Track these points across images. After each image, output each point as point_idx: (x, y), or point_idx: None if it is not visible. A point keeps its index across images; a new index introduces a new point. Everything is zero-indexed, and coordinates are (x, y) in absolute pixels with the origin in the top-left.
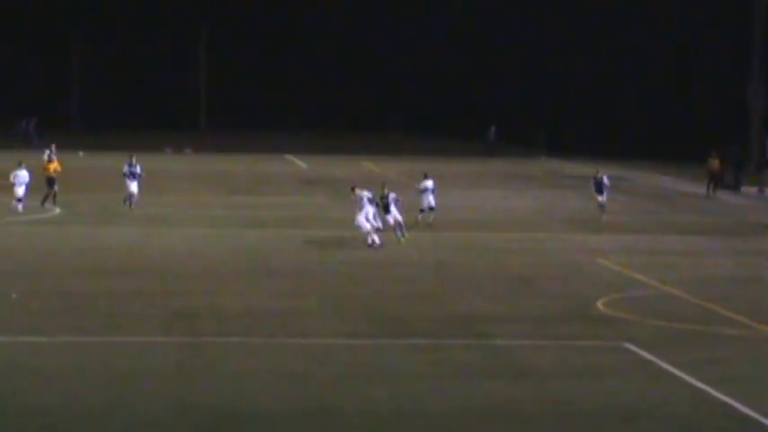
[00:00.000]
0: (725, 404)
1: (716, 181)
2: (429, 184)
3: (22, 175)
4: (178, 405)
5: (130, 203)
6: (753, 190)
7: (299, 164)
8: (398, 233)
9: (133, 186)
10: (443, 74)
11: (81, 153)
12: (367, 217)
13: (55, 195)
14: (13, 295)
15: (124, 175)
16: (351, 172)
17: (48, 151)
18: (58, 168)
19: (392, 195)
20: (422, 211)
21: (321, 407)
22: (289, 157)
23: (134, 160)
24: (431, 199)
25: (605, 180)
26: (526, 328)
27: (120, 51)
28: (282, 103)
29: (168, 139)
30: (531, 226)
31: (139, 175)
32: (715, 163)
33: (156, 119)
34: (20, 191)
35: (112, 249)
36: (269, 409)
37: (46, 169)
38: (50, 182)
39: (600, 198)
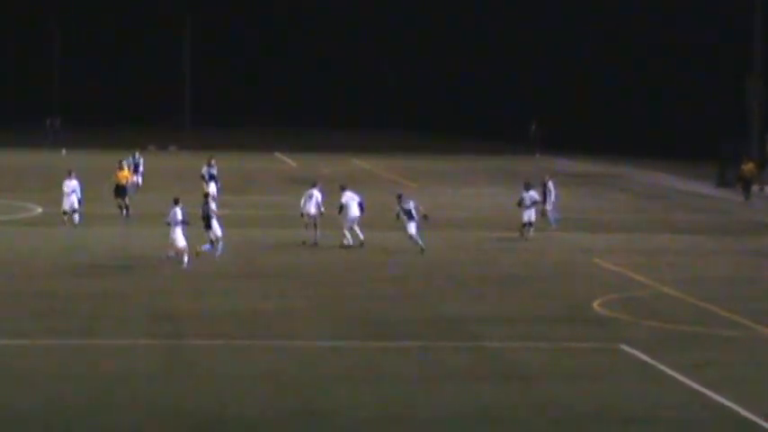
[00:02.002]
0: (722, 406)
1: (749, 184)
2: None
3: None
4: (163, 408)
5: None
6: (755, 188)
7: (289, 162)
8: (420, 242)
9: (212, 187)
10: (435, 69)
11: (63, 151)
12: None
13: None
14: None
15: (202, 177)
16: (340, 170)
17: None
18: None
19: (412, 203)
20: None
21: (307, 410)
22: (278, 154)
23: (213, 161)
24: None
25: (551, 185)
26: (519, 329)
27: (102, 46)
28: (271, 99)
29: (152, 137)
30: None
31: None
32: (749, 166)
33: (139, 116)
34: (67, 203)
35: (94, 249)
36: (254, 412)
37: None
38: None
39: (545, 206)
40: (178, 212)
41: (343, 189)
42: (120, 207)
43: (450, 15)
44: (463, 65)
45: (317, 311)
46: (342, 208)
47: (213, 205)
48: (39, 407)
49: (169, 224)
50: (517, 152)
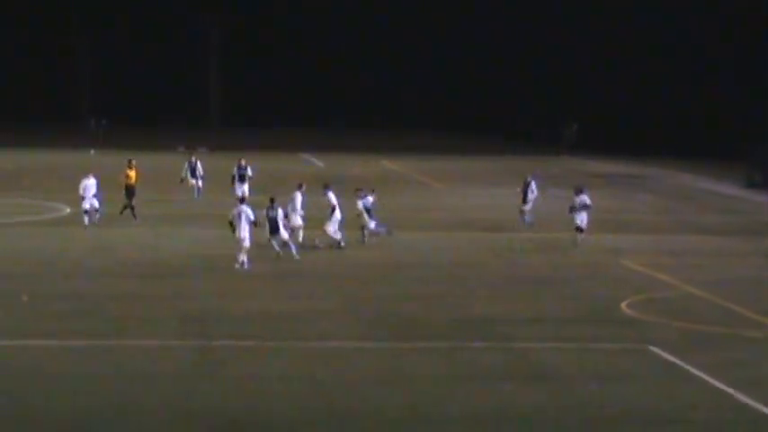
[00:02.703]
0: (750, 407)
1: None
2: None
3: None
4: (190, 409)
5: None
6: None
7: (316, 162)
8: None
9: (244, 189)
10: (463, 69)
11: (92, 151)
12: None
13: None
14: (24, 297)
15: (233, 178)
16: (369, 171)
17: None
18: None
19: (371, 199)
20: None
21: (335, 411)
22: (305, 155)
23: (244, 162)
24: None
25: (533, 186)
26: (547, 329)
27: (131, 47)
28: (299, 100)
29: (182, 138)
30: (550, 226)
31: (250, 177)
32: None
33: (169, 117)
34: (86, 203)
35: (121, 250)
36: (282, 414)
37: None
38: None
39: (524, 206)
40: (249, 212)
41: (326, 188)
42: (125, 207)
43: (479, 14)
44: (491, 65)
45: (345, 312)
46: (334, 209)
47: (281, 211)
48: (67, 408)
49: (232, 223)
50: (546, 153)
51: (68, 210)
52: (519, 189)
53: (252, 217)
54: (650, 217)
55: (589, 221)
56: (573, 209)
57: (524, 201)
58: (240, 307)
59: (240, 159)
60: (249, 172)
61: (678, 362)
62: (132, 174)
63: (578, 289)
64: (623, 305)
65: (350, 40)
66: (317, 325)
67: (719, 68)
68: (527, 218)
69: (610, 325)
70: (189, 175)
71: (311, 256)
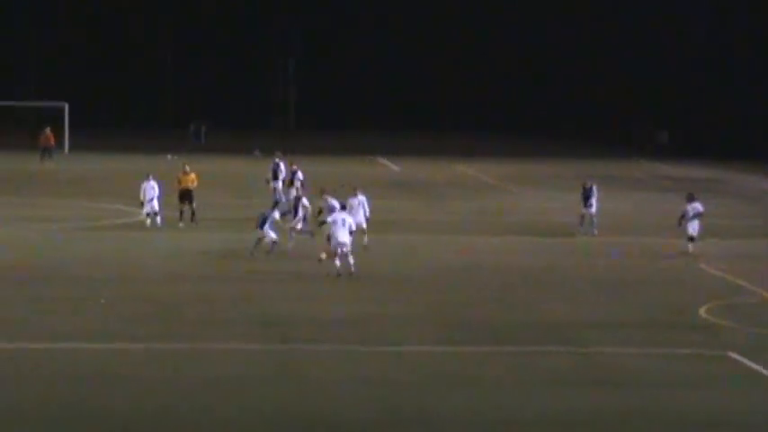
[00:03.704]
0: None
1: None
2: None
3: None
4: (269, 412)
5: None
6: None
7: (391, 166)
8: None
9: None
10: (538, 71)
11: (169, 156)
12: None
13: (188, 213)
14: (102, 300)
15: (282, 181)
16: (444, 175)
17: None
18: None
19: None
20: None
21: (410, 415)
22: (381, 159)
23: (295, 166)
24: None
25: (594, 190)
26: (623, 334)
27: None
28: (374, 102)
29: (257, 141)
30: (629, 230)
31: (301, 180)
32: None
33: (243, 120)
34: (148, 206)
35: (202, 254)
36: (359, 417)
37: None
38: (183, 196)
39: (584, 210)
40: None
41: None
42: (182, 212)
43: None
44: (565, 67)
45: (420, 316)
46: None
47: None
48: (146, 412)
49: (325, 222)
50: (621, 156)
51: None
52: (580, 195)
53: (353, 227)
54: (729, 221)
55: (701, 229)
56: (684, 217)
57: (586, 205)
58: (317, 310)
59: (291, 163)
60: (300, 176)
61: (758, 368)
62: (186, 178)
63: (656, 294)
64: (702, 310)
65: (424, 43)
66: (391, 329)
67: None
68: (592, 222)
69: (688, 330)
70: (272, 177)
71: (385, 259)
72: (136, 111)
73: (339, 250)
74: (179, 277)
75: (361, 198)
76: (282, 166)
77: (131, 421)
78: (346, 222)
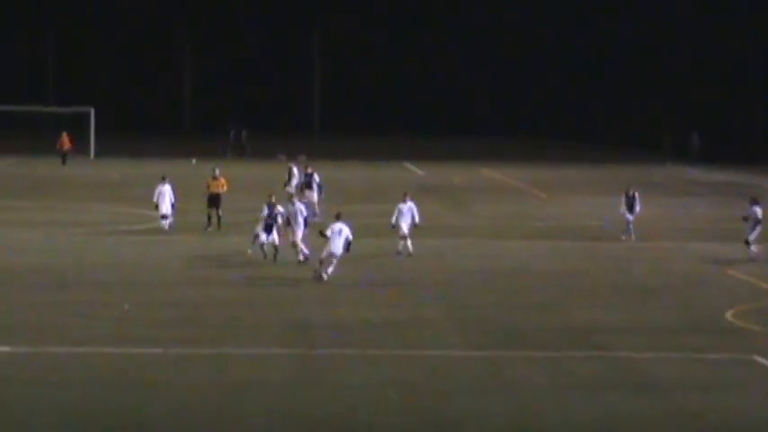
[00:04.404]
0: None
1: None
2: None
3: (164, 190)
4: (293, 416)
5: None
6: None
7: (416, 171)
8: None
9: (312, 196)
10: (561, 75)
11: (194, 160)
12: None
13: (215, 218)
14: (126, 306)
15: (296, 186)
16: (469, 179)
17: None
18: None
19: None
20: None
21: (437, 420)
22: (406, 164)
23: (311, 170)
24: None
25: (637, 197)
26: (651, 339)
27: (231, 54)
28: (400, 106)
29: (281, 145)
30: (656, 234)
31: (318, 184)
32: None
33: (269, 123)
34: (163, 208)
35: (225, 259)
36: (384, 423)
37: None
38: (212, 201)
39: (629, 216)
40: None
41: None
42: (210, 217)
43: (579, 16)
44: (591, 71)
45: (446, 320)
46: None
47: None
48: (169, 414)
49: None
50: (649, 161)
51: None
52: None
53: (350, 237)
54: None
55: (759, 235)
56: (747, 218)
57: (630, 211)
58: (341, 315)
59: (306, 167)
60: (317, 179)
61: None
62: (216, 183)
63: (683, 298)
64: (729, 315)
65: (448, 46)
66: (417, 333)
67: None
68: (631, 228)
69: (715, 335)
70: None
71: (411, 263)
72: (160, 115)
73: (329, 260)
74: (201, 282)
75: (411, 204)
76: (295, 170)
77: (153, 426)
78: (342, 233)
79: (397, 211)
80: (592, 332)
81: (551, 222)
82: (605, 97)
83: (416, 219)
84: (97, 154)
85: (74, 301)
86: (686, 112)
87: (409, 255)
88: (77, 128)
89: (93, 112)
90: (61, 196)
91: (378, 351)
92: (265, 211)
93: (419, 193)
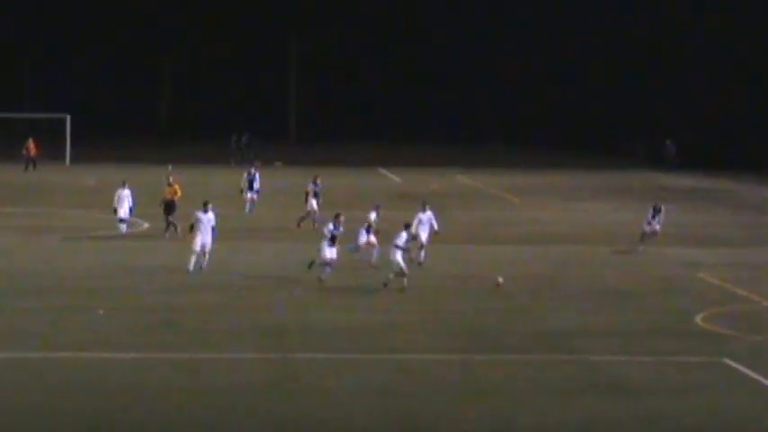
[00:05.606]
0: None
1: None
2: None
3: (123, 195)
4: (267, 422)
5: (313, 222)
6: None
7: (393, 177)
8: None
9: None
10: (538, 83)
11: (170, 167)
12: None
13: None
14: (100, 311)
15: (307, 194)
16: (445, 186)
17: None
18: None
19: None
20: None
21: (412, 424)
22: (382, 170)
23: (319, 180)
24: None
25: (663, 211)
26: (623, 342)
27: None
28: (374, 114)
29: (258, 153)
30: (629, 240)
31: (316, 193)
32: None
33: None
34: (121, 212)
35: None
36: (359, 427)
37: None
38: (166, 207)
39: (649, 227)
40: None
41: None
42: (168, 223)
43: (557, 28)
44: (566, 77)
45: (421, 325)
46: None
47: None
48: (142, 421)
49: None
50: (623, 168)
51: (146, 225)
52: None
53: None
54: (729, 231)
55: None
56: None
57: (651, 223)
58: (316, 319)
59: (316, 176)
60: (318, 183)
61: (754, 375)
62: (169, 190)
63: (655, 302)
64: (699, 318)
65: (422, 54)
66: (393, 337)
67: None
68: (653, 236)
69: (685, 338)
70: (246, 187)
71: (386, 269)
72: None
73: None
74: (176, 287)
75: (430, 213)
76: (257, 175)
77: (130, 429)
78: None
79: (417, 221)
80: (565, 336)
81: (525, 227)
82: (581, 104)
83: (435, 226)
84: (72, 160)
85: (49, 307)
86: (662, 119)
87: (419, 264)
88: (52, 134)
89: (69, 118)
90: (37, 202)
91: (352, 355)
92: (330, 227)
93: (397, 200)
